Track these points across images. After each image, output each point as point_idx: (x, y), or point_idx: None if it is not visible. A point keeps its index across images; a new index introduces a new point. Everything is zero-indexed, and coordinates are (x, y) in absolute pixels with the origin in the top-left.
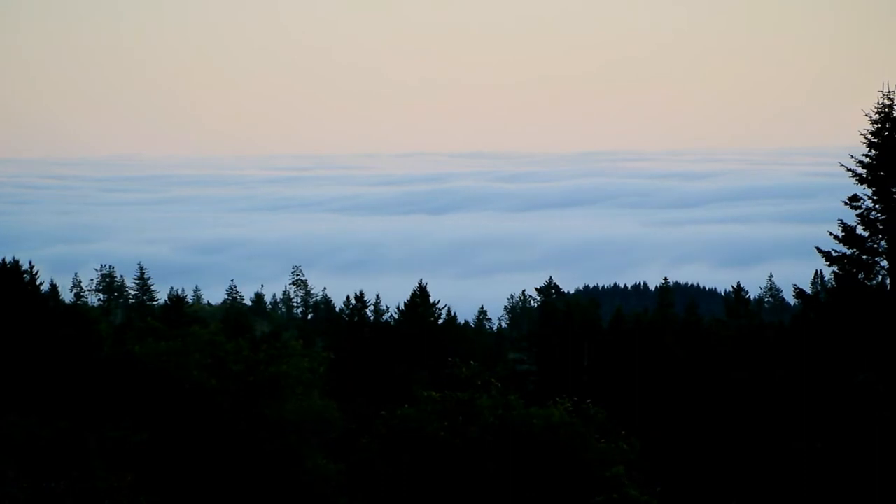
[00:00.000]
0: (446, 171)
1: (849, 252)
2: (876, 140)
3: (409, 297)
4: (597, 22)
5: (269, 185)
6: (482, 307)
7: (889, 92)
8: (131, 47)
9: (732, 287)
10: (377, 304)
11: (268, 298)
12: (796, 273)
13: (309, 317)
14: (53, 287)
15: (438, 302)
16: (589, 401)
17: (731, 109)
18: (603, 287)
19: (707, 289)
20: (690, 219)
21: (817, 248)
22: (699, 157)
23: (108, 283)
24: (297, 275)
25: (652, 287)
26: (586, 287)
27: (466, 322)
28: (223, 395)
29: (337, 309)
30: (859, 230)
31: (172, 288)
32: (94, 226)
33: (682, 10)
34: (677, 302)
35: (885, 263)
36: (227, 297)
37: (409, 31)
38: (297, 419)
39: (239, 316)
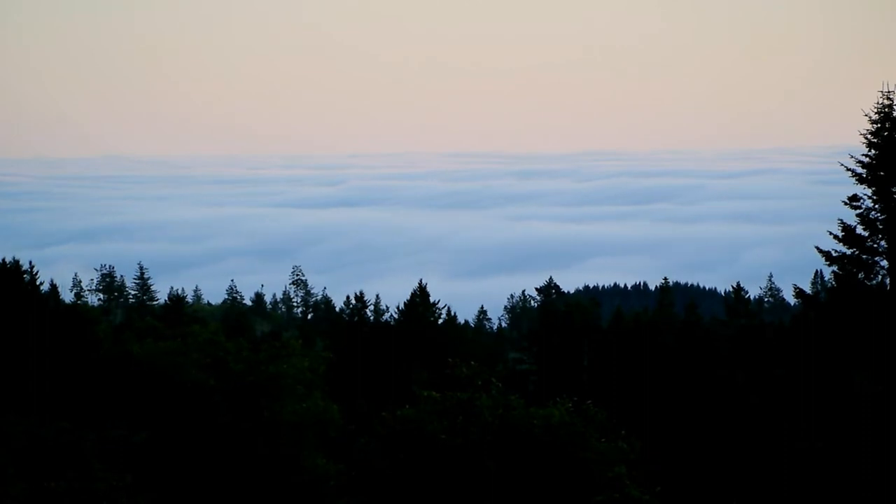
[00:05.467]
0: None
1: (849, 252)
2: (876, 140)
3: (408, 297)
4: (589, 18)
5: (267, 184)
6: (482, 307)
7: (889, 92)
8: (142, 46)
9: (732, 287)
10: (377, 303)
11: (268, 298)
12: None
13: (309, 317)
14: (53, 287)
15: (438, 302)
16: (589, 401)
17: (726, 109)
18: (603, 287)
19: (707, 289)
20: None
21: (817, 248)
22: (684, 157)
23: (108, 283)
24: (297, 275)
25: (652, 287)
26: (586, 287)
27: (466, 322)
28: (223, 394)
29: (337, 309)
30: (859, 230)
31: (172, 288)
32: (93, 225)
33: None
34: (677, 302)
35: (885, 263)
36: (227, 296)
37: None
38: (296, 419)
39: (239, 316)
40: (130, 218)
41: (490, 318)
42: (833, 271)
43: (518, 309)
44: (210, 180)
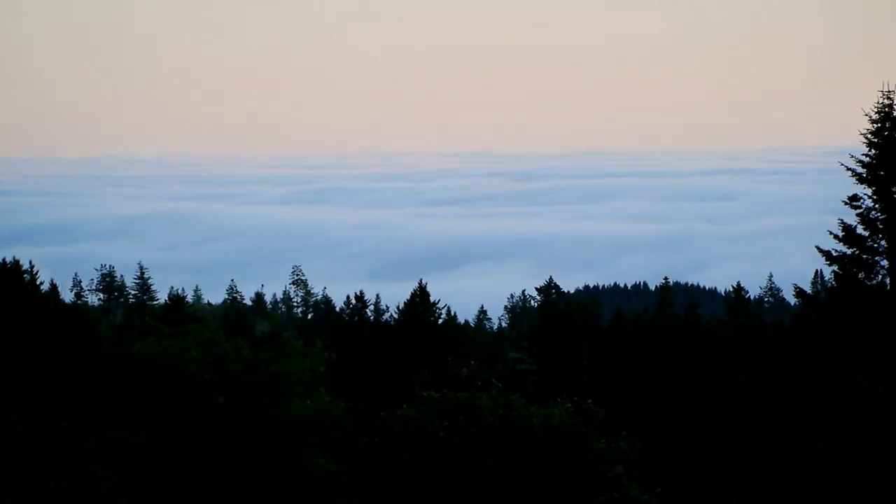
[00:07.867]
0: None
1: (849, 252)
2: (876, 140)
3: (408, 297)
4: (589, 17)
5: (260, 184)
6: (482, 307)
7: (889, 92)
8: (142, 46)
9: (732, 287)
10: (377, 303)
11: (268, 298)
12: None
13: (309, 317)
14: (53, 287)
15: (438, 301)
16: (589, 401)
17: (726, 109)
18: (603, 287)
19: (707, 289)
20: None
21: (817, 248)
22: (675, 158)
23: (108, 282)
24: (297, 274)
25: (652, 287)
26: (586, 287)
27: (467, 322)
28: (224, 394)
29: (337, 309)
30: (859, 230)
31: (172, 287)
32: (92, 224)
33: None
34: (677, 302)
35: (885, 263)
36: (227, 296)
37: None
38: (298, 419)
39: (239, 316)
40: (130, 217)
41: (490, 318)
42: (833, 271)
43: (518, 309)
44: (202, 180)
